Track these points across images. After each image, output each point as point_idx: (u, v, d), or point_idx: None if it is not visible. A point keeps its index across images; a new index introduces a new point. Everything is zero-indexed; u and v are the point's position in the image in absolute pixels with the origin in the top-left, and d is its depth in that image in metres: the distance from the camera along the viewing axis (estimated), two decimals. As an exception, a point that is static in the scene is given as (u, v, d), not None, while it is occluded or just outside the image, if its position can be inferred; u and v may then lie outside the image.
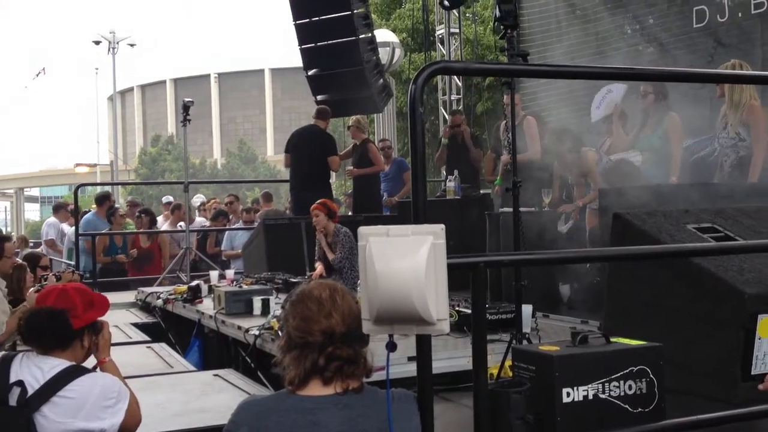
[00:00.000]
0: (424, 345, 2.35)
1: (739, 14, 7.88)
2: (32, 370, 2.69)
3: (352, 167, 9.31)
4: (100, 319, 2.93)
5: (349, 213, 10.44)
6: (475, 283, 2.38)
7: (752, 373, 3.33)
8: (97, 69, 45.04)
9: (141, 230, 10.20)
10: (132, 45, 37.19)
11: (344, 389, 2.16)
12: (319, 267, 6.70)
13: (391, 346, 2.18)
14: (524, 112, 7.53)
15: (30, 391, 2.64)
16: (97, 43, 35.55)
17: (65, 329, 2.78)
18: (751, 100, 5.56)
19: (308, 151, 8.47)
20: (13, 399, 2.62)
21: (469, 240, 6.75)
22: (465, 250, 6.41)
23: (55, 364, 2.71)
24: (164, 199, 13.16)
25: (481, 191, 8.39)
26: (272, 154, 56.46)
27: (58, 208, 11.85)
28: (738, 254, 3.55)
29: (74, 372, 2.71)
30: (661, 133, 6.18)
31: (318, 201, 6.74)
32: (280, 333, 2.31)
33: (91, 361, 2.93)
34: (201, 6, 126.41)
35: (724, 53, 7.61)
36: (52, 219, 11.62)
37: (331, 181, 9.39)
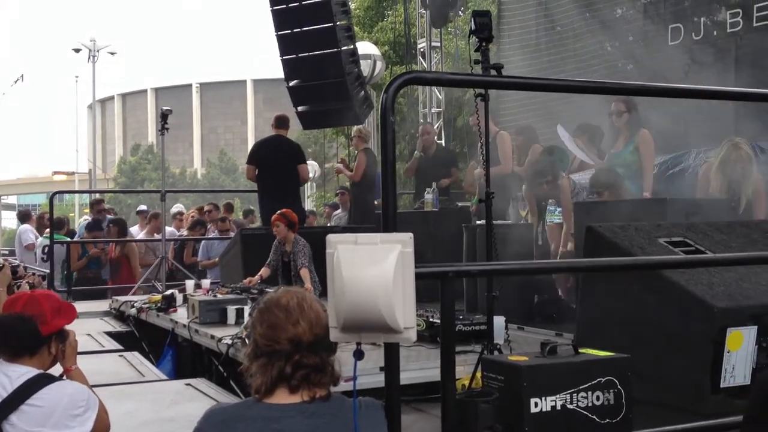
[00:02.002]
0: (392, 354, 2.35)
1: (714, 33, 7.99)
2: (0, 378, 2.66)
3: (341, 165, 9.37)
4: (66, 327, 2.91)
5: (329, 224, 10.46)
6: (444, 293, 2.39)
7: (721, 385, 3.36)
8: (77, 77, 44.87)
9: (117, 239, 10.16)
10: (112, 53, 37.08)
11: (311, 397, 2.15)
12: (262, 270, 6.92)
13: (359, 354, 2.18)
14: (498, 128, 7.56)
15: None
16: (77, 51, 35.37)
17: (34, 335, 2.76)
18: None
19: (279, 162, 8.46)
20: None
21: (447, 252, 6.76)
22: (442, 261, 6.42)
23: (23, 372, 2.69)
24: (138, 209, 13.15)
25: (459, 204, 8.42)
26: (253, 164, 56.29)
27: (26, 217, 11.81)
28: (708, 268, 3.59)
29: (43, 380, 2.69)
30: (632, 148, 6.23)
31: (278, 212, 6.91)
32: (247, 341, 2.30)
33: (57, 369, 2.91)
34: (183, 15, 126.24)
35: (699, 71, 7.72)
36: (27, 225, 11.56)
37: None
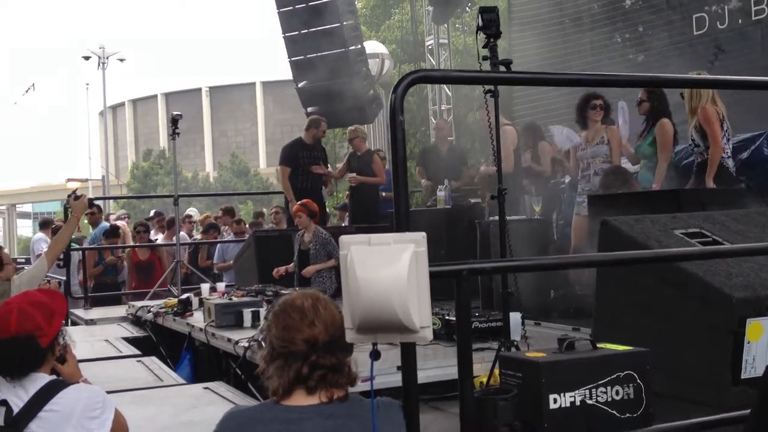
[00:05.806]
0: (409, 353, 2.34)
1: (740, 21, 7.94)
2: (14, 388, 2.65)
3: (355, 174, 9.20)
4: (72, 351, 2.87)
5: (343, 224, 10.41)
6: (459, 291, 2.37)
7: (742, 377, 3.32)
8: (87, 84, 45.00)
9: (132, 244, 10.21)
10: (122, 60, 37.11)
11: (329, 399, 2.14)
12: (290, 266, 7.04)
13: (375, 355, 2.17)
14: (503, 124, 7.53)
15: (15, 410, 2.59)
16: (87, 58, 35.44)
17: (37, 353, 2.67)
18: (706, 104, 5.58)
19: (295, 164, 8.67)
20: None
21: (460, 249, 6.74)
22: (456, 259, 6.40)
23: (36, 379, 2.68)
24: (152, 213, 13.21)
25: (472, 200, 8.39)
26: (265, 166, 56.37)
27: (46, 224, 11.87)
28: (726, 259, 3.55)
29: (57, 385, 2.68)
30: (651, 140, 6.20)
31: (299, 203, 7.13)
32: (263, 344, 2.29)
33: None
34: (191, 20, 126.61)
35: (725, 59, 7.67)
36: (41, 234, 11.63)
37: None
